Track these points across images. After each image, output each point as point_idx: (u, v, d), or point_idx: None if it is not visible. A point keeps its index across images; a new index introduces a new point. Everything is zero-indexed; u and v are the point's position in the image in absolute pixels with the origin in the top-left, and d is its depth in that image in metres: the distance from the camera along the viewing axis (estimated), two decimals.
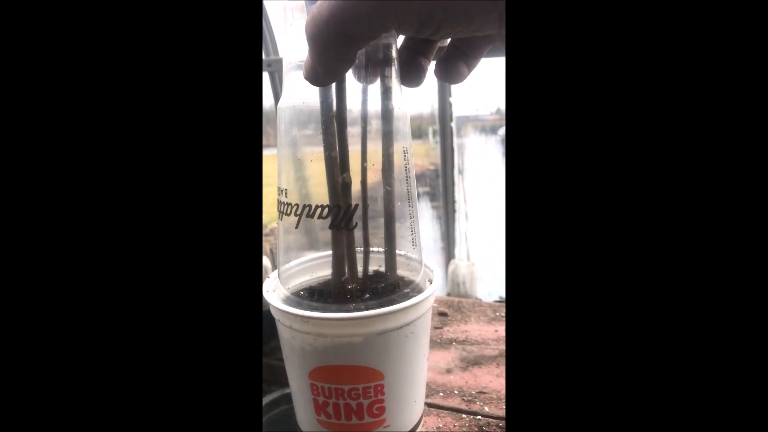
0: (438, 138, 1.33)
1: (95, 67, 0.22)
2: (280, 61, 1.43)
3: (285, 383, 0.31)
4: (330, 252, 0.29)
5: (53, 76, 0.21)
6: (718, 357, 0.18)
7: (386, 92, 0.26)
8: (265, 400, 1.16)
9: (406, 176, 0.28)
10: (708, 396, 0.18)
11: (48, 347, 0.21)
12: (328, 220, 0.26)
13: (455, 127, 1.34)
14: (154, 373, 0.22)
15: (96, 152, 0.22)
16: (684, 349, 0.19)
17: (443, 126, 1.30)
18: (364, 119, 0.27)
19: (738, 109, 0.19)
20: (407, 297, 0.27)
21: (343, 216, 0.26)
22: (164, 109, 0.22)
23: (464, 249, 1.61)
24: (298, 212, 0.26)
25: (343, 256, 0.28)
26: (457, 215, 1.48)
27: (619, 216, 0.20)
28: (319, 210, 0.26)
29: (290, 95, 0.27)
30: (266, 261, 1.73)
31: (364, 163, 0.27)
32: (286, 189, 0.27)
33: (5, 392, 0.21)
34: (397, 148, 0.28)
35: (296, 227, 0.27)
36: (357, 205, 0.26)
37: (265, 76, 1.52)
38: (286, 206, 0.27)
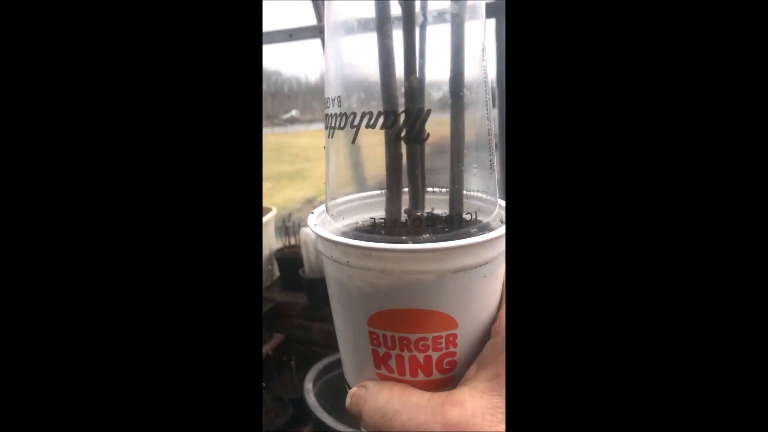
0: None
1: (88, 51, 0.19)
2: None
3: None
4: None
5: (55, 67, 0.19)
6: (720, 356, 0.18)
7: None
8: (323, 363, 1.17)
9: (485, 80, 0.23)
10: (708, 396, 0.18)
11: (45, 331, 0.19)
12: (392, 132, 0.21)
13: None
14: (152, 369, 0.20)
15: (89, 136, 0.20)
16: (685, 348, 0.18)
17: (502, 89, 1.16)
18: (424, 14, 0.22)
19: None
20: (481, 233, 0.22)
21: (412, 124, 0.21)
22: (155, 86, 0.20)
23: None
24: (355, 122, 0.21)
25: (400, 181, 0.23)
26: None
27: (626, 207, 0.19)
28: (383, 118, 0.21)
29: None
30: None
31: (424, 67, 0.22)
32: (338, 96, 0.22)
33: (5, 392, 0.19)
34: (471, 49, 0.23)
35: (353, 142, 0.22)
36: (429, 111, 0.21)
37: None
38: (338, 118, 0.22)
